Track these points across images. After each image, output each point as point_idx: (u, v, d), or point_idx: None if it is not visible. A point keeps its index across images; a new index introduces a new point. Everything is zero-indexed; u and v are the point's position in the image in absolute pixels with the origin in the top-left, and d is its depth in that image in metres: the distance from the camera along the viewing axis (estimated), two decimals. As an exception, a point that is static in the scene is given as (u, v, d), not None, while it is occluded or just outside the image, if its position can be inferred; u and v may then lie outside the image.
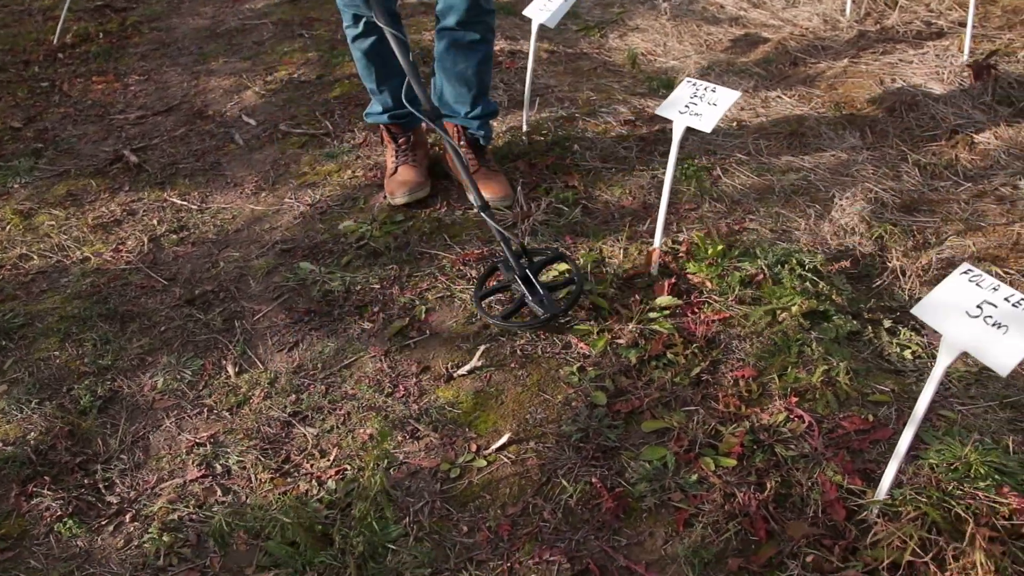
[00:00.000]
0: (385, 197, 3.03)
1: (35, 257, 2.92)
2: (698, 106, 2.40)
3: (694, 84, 2.47)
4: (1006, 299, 1.65)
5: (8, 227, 3.09)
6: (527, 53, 4.15)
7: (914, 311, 1.72)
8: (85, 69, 4.46)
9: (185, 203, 3.21)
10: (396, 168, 3.07)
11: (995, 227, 2.82)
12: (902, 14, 4.57)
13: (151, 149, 3.63)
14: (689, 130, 2.33)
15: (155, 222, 3.10)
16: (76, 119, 3.94)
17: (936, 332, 1.69)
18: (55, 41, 4.75)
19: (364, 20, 2.78)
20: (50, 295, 2.74)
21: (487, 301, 2.53)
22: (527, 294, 2.39)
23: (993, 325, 1.62)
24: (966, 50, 3.95)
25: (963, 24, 4.01)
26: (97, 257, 2.91)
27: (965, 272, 1.73)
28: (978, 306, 1.66)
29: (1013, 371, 2.07)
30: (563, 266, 2.58)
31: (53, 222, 3.12)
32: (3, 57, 4.66)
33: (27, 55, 4.65)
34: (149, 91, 4.20)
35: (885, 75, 3.93)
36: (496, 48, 4.25)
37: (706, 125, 2.34)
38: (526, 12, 3.12)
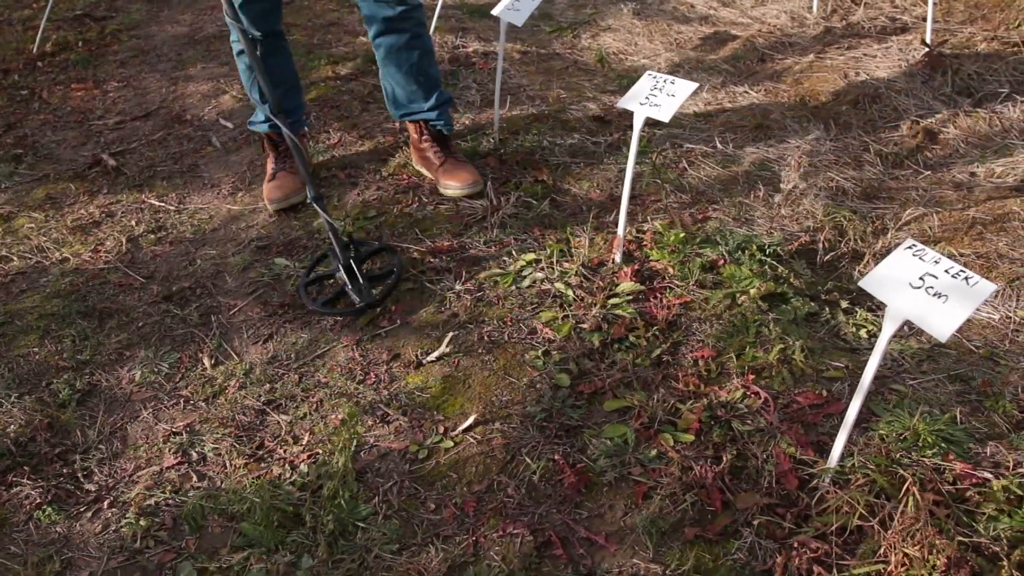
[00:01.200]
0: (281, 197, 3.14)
1: (14, 259, 2.97)
2: (658, 97, 2.47)
3: (654, 77, 2.54)
4: (946, 271, 1.72)
5: (-12, 230, 3.15)
6: (499, 53, 4.23)
7: (861, 283, 1.80)
8: (65, 77, 4.51)
9: (163, 204, 3.26)
10: (274, 175, 3.16)
11: (951, 212, 2.91)
12: (867, 10, 4.66)
13: (129, 153, 3.69)
14: (657, 124, 2.41)
15: (133, 223, 3.15)
16: (55, 125, 4.00)
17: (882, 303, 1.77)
18: (35, 50, 4.80)
19: (251, 37, 2.85)
20: (29, 295, 2.79)
21: (313, 288, 2.67)
22: (347, 283, 2.53)
23: (934, 295, 1.70)
24: (928, 40, 4.04)
25: (925, 19, 4.11)
26: (76, 257, 2.97)
27: (909, 247, 1.80)
28: (920, 278, 1.74)
29: (962, 345, 2.15)
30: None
31: (32, 224, 3.17)
32: (-17, 67, 4.70)
33: (6, 64, 4.70)
34: (128, 97, 4.26)
35: (849, 69, 4.02)
36: (469, 49, 4.33)
37: (664, 115, 2.41)
38: (495, 11, 3.19)
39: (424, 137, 3.15)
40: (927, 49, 3.94)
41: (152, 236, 3.07)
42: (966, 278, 1.68)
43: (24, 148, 3.77)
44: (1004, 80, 3.76)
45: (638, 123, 2.47)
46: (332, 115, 3.77)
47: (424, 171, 3.21)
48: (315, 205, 2.58)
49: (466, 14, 4.88)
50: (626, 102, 2.53)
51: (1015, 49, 4.01)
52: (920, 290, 1.71)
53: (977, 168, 3.21)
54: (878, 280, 1.78)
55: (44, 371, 2.46)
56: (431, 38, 3.08)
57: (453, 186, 3.05)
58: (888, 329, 1.72)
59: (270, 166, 3.21)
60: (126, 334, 2.59)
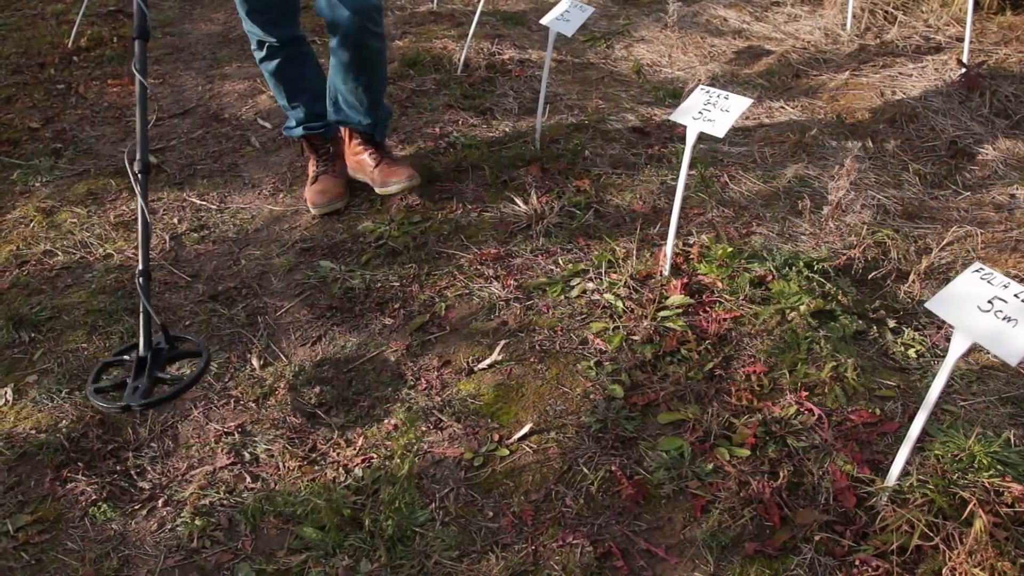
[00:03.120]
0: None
1: (59, 253, 2.99)
2: (711, 112, 2.48)
3: (707, 91, 2.56)
4: (1015, 295, 1.73)
5: (32, 224, 3.16)
6: (535, 61, 4.26)
7: (928, 305, 1.81)
8: (100, 72, 4.53)
9: (204, 203, 3.28)
10: (316, 177, 3.17)
11: (994, 233, 2.91)
12: (901, 29, 4.68)
13: (169, 151, 3.70)
14: (696, 138, 2.42)
15: (175, 221, 3.17)
16: (93, 120, 4.01)
17: (947, 327, 1.78)
18: (70, 44, 4.82)
19: (267, 44, 2.92)
20: (75, 290, 2.80)
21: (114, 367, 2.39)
22: (130, 375, 2.19)
23: (1003, 319, 1.70)
24: (965, 59, 4.05)
25: (960, 39, 4.12)
26: (119, 254, 2.98)
27: (977, 270, 1.81)
28: (989, 301, 1.74)
29: (1010, 368, 2.16)
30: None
31: (75, 220, 3.19)
32: (18, 59, 4.73)
33: (42, 58, 4.72)
34: (165, 94, 4.27)
35: (885, 87, 4.03)
36: (505, 56, 4.35)
37: (719, 131, 2.42)
38: (544, 21, 3.20)
39: (357, 141, 3.18)
40: (964, 69, 3.95)
41: (195, 235, 3.08)
42: (1036, 303, 1.69)
43: (63, 143, 3.78)
44: (1041, 102, 3.77)
45: (691, 138, 2.48)
46: (371, 118, 3.78)
47: (359, 176, 3.24)
48: (139, 287, 2.24)
49: (500, 20, 4.90)
50: (679, 116, 2.54)
51: (1050, 72, 4.02)
52: (989, 313, 1.72)
53: (1017, 191, 3.22)
54: (946, 302, 1.79)
55: (93, 367, 2.47)
56: (386, 54, 3.03)
57: (394, 182, 3.09)
58: (956, 351, 1.73)
59: (312, 168, 3.22)
60: (173, 333, 2.60)
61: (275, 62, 2.98)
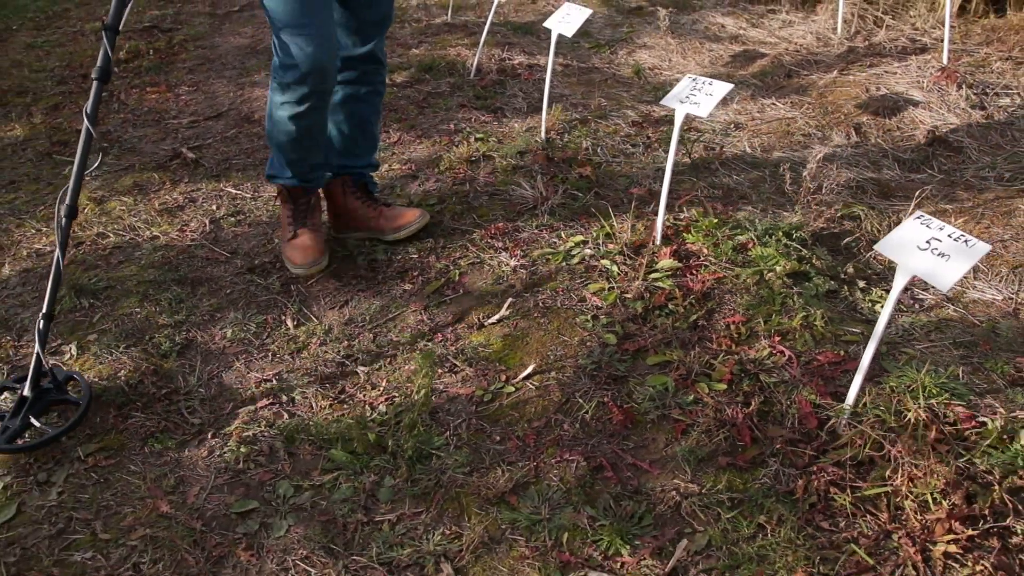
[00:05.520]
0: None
1: (111, 235, 3.31)
2: (697, 96, 2.78)
3: (694, 79, 2.85)
4: (949, 235, 2.01)
5: (84, 211, 3.48)
6: (543, 66, 4.57)
7: (876, 247, 2.09)
8: (139, 81, 4.88)
9: (240, 192, 3.60)
10: (295, 233, 2.96)
11: (962, 207, 3.18)
12: (889, 32, 4.97)
13: (205, 148, 4.03)
14: (693, 129, 2.71)
15: (214, 207, 3.48)
16: (135, 123, 4.35)
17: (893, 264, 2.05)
18: (110, 57, 5.17)
19: (310, 95, 2.59)
20: (127, 265, 3.12)
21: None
22: (7, 412, 2.29)
23: (938, 255, 1.98)
24: (944, 61, 4.33)
25: (943, 39, 4.40)
26: (165, 236, 3.30)
27: (918, 217, 2.09)
28: (927, 241, 2.02)
29: (967, 319, 2.43)
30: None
31: (123, 207, 3.51)
32: (63, 72, 5.09)
33: (84, 69, 5.08)
34: (199, 100, 4.61)
35: (871, 84, 4.31)
36: (515, 62, 4.67)
37: (703, 112, 2.71)
38: (547, 24, 3.51)
39: (353, 191, 3.05)
40: (943, 65, 4.22)
41: (232, 219, 3.40)
42: (965, 241, 1.97)
43: (109, 143, 4.12)
44: (1016, 95, 4.04)
45: (679, 119, 2.77)
46: (392, 117, 4.10)
47: (353, 233, 3.12)
48: (37, 327, 2.29)
49: (511, 30, 5.22)
50: (668, 100, 2.83)
51: (1027, 69, 4.29)
52: (927, 251, 2.00)
53: (988, 173, 3.48)
54: (891, 243, 2.07)
55: (146, 328, 2.78)
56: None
57: (405, 223, 3.04)
58: (899, 283, 2.01)
59: (288, 222, 2.98)
60: (216, 299, 2.91)
61: (314, 116, 2.67)
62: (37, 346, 2.30)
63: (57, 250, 2.33)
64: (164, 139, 4.16)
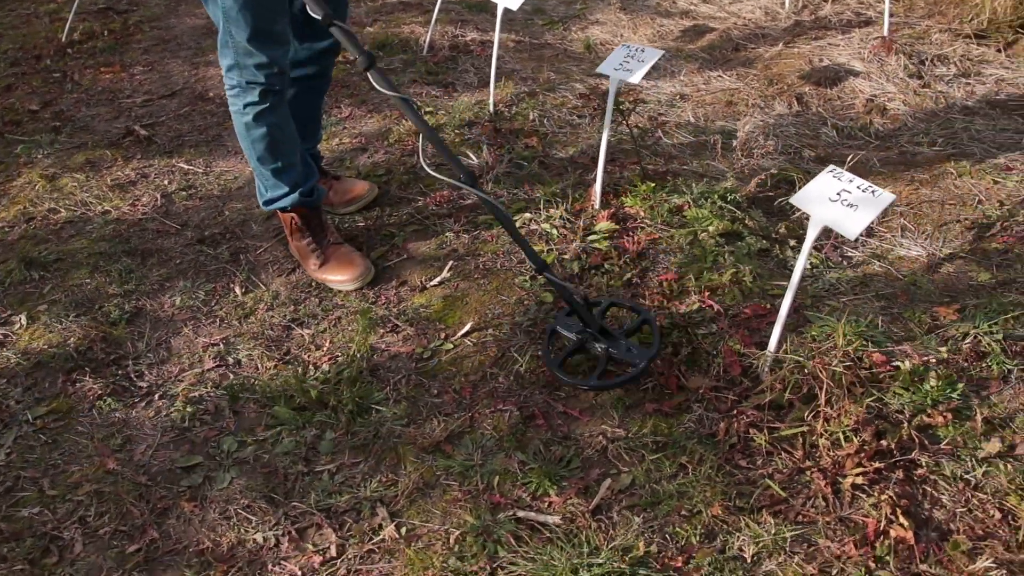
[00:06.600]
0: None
1: (62, 211, 3.34)
2: (630, 64, 2.86)
3: (628, 47, 2.93)
4: (858, 187, 2.11)
5: (36, 187, 3.51)
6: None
7: (791, 200, 2.18)
8: (93, 62, 4.88)
9: (192, 167, 3.64)
10: (325, 256, 2.79)
11: (895, 174, 3.29)
12: (835, 5, 5.07)
13: (158, 125, 4.06)
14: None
15: (166, 182, 3.53)
16: (88, 103, 4.37)
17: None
18: (63, 39, 5.17)
19: (273, 92, 2.53)
20: (78, 239, 3.16)
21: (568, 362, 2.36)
22: (609, 347, 2.26)
23: (848, 205, 2.08)
24: (885, 32, 4.44)
25: (889, 14, 4.51)
26: (116, 210, 3.34)
27: (831, 171, 2.19)
28: (837, 193, 2.12)
29: (891, 274, 2.53)
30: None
31: (75, 184, 3.54)
32: (16, 53, 5.08)
33: (38, 51, 5.07)
34: (153, 79, 4.63)
35: (814, 56, 4.41)
36: (468, 38, 4.73)
37: (635, 78, 2.80)
38: (491, -3, 3.57)
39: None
40: (883, 37, 4.33)
41: (183, 193, 3.44)
42: (872, 191, 2.07)
43: (61, 121, 4.14)
44: (951, 64, 4.16)
45: (613, 85, 2.85)
46: (343, 93, 4.15)
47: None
48: (546, 275, 2.25)
49: (464, 8, 5.27)
50: (603, 68, 2.91)
51: (965, 40, 4.41)
52: (837, 202, 2.10)
53: (922, 139, 3.59)
54: (805, 196, 2.17)
55: (96, 297, 2.83)
56: None
57: (354, 198, 3.13)
58: (811, 233, 2.10)
59: (312, 249, 2.80)
60: (166, 269, 2.96)
61: (280, 110, 2.60)
62: (559, 282, 2.28)
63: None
64: (117, 117, 4.19)
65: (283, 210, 2.79)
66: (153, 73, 4.71)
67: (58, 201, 3.41)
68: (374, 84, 2.17)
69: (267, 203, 2.79)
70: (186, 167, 3.65)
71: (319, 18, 2.23)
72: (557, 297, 2.57)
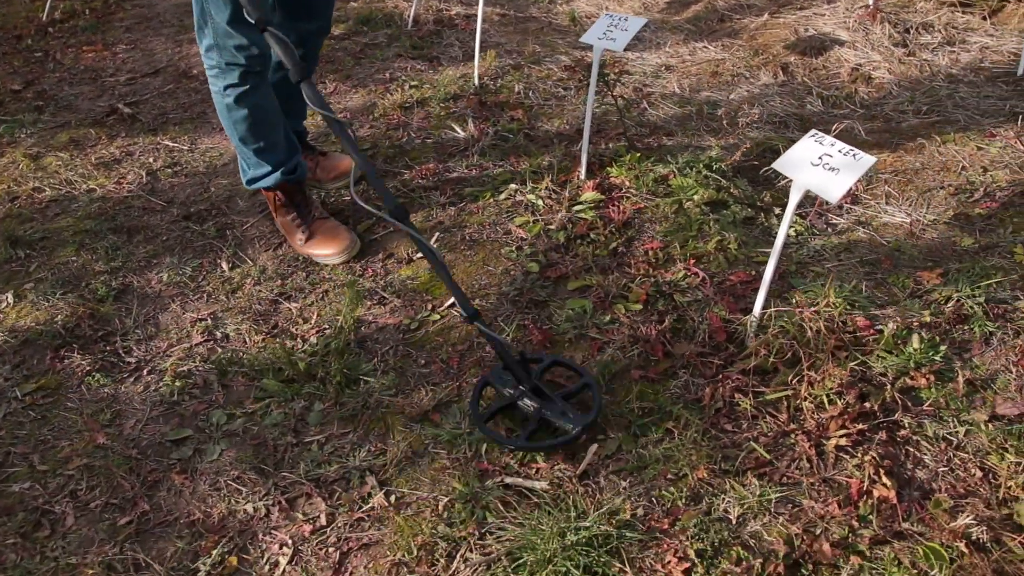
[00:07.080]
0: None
1: (47, 189, 3.33)
2: (613, 33, 2.85)
3: (611, 16, 2.92)
4: (839, 151, 2.12)
5: (20, 167, 3.49)
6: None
7: (774, 165, 2.19)
8: (75, 40, 4.85)
9: (177, 145, 3.62)
10: (310, 231, 2.80)
11: (880, 142, 3.30)
12: (819, -25, 5.05)
13: (142, 103, 4.04)
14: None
15: (151, 160, 3.51)
16: (71, 82, 4.34)
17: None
18: (44, 18, 5.13)
19: (253, 74, 2.50)
20: (63, 217, 3.15)
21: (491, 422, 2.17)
22: (542, 408, 2.08)
23: (829, 169, 2.09)
24: (870, 1, 4.44)
25: (870, -20, 4.50)
26: (101, 188, 3.33)
27: (812, 135, 2.20)
28: (819, 157, 2.13)
29: (875, 240, 2.54)
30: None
31: (59, 162, 3.53)
32: (-4, 33, 5.04)
33: (18, 31, 5.03)
34: (136, 57, 4.60)
35: (800, 26, 4.40)
36: (452, 12, 4.71)
37: (618, 46, 2.79)
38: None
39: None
40: (868, 5, 4.33)
41: (169, 171, 3.43)
42: (854, 155, 2.08)
43: (44, 100, 4.12)
44: (936, 32, 4.16)
45: (597, 54, 2.85)
46: (328, 68, 4.13)
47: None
48: (477, 324, 2.09)
49: (449, -18, 5.24)
50: (586, 37, 2.91)
51: (950, 8, 4.40)
52: (819, 167, 2.11)
53: (907, 107, 3.60)
54: (788, 161, 2.17)
55: (83, 275, 2.82)
56: None
57: (341, 174, 3.12)
58: (794, 198, 2.11)
59: (297, 225, 2.81)
60: (152, 246, 2.96)
61: (260, 92, 2.56)
62: (489, 334, 2.09)
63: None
64: (101, 96, 4.16)
65: (267, 188, 2.78)
66: (136, 51, 4.68)
67: (42, 180, 3.40)
68: (306, 99, 2.07)
69: (250, 182, 2.79)
70: (171, 144, 3.63)
71: (252, 22, 2.13)
72: (544, 267, 2.58)
